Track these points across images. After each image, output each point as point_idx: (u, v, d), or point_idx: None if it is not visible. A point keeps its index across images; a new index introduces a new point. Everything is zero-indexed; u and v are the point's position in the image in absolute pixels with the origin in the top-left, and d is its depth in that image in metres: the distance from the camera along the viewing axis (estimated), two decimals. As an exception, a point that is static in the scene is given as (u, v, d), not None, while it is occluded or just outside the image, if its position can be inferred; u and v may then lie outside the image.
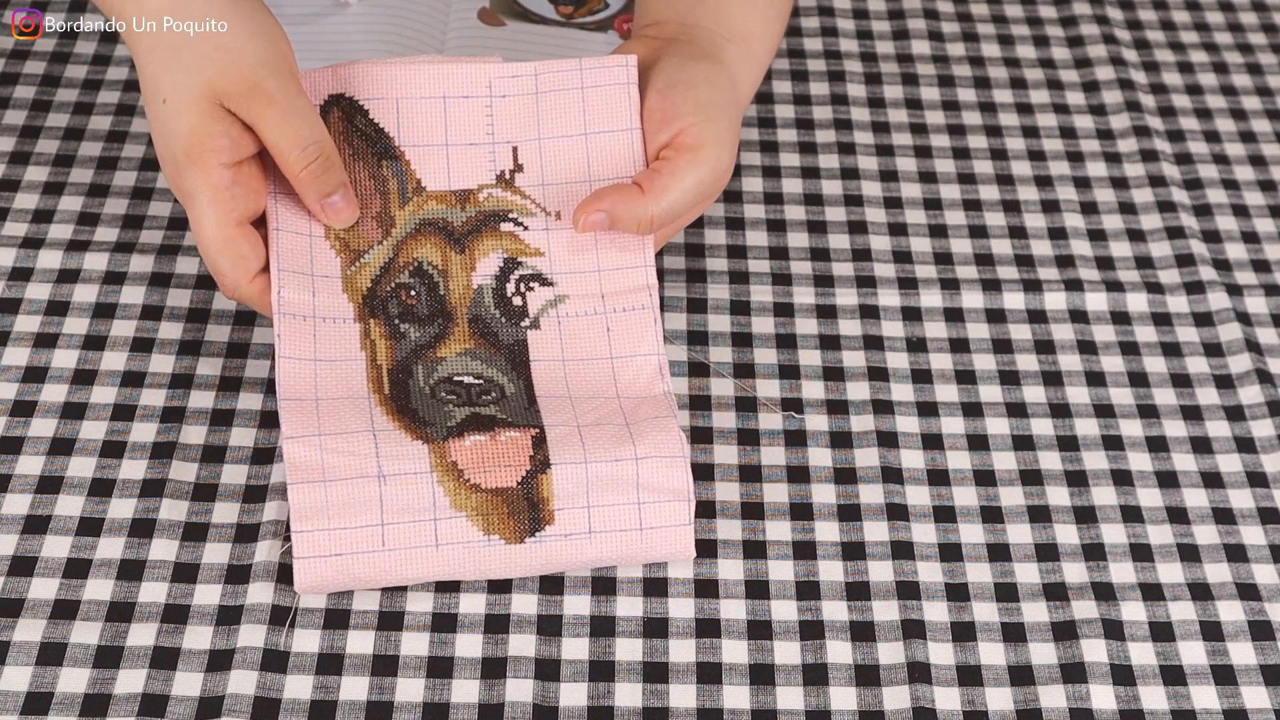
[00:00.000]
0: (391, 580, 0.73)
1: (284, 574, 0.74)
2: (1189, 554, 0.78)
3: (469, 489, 0.73)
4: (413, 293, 0.78)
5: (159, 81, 0.75)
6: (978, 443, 0.82)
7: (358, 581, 0.73)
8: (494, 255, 0.80)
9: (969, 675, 0.73)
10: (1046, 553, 0.78)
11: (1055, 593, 0.76)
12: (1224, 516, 0.80)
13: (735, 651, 0.73)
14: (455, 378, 0.77)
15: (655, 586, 0.75)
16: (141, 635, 0.72)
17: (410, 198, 0.80)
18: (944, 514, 0.79)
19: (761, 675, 0.72)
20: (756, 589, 0.75)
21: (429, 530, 0.73)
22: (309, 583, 0.72)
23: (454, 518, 0.73)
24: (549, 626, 0.73)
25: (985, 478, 0.81)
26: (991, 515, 0.79)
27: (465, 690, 0.71)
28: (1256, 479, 0.82)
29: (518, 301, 0.79)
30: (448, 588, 0.74)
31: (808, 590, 0.75)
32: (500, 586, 0.75)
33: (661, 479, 0.74)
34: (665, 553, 0.75)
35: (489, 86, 0.81)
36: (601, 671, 0.72)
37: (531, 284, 0.79)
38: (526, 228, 0.80)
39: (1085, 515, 0.79)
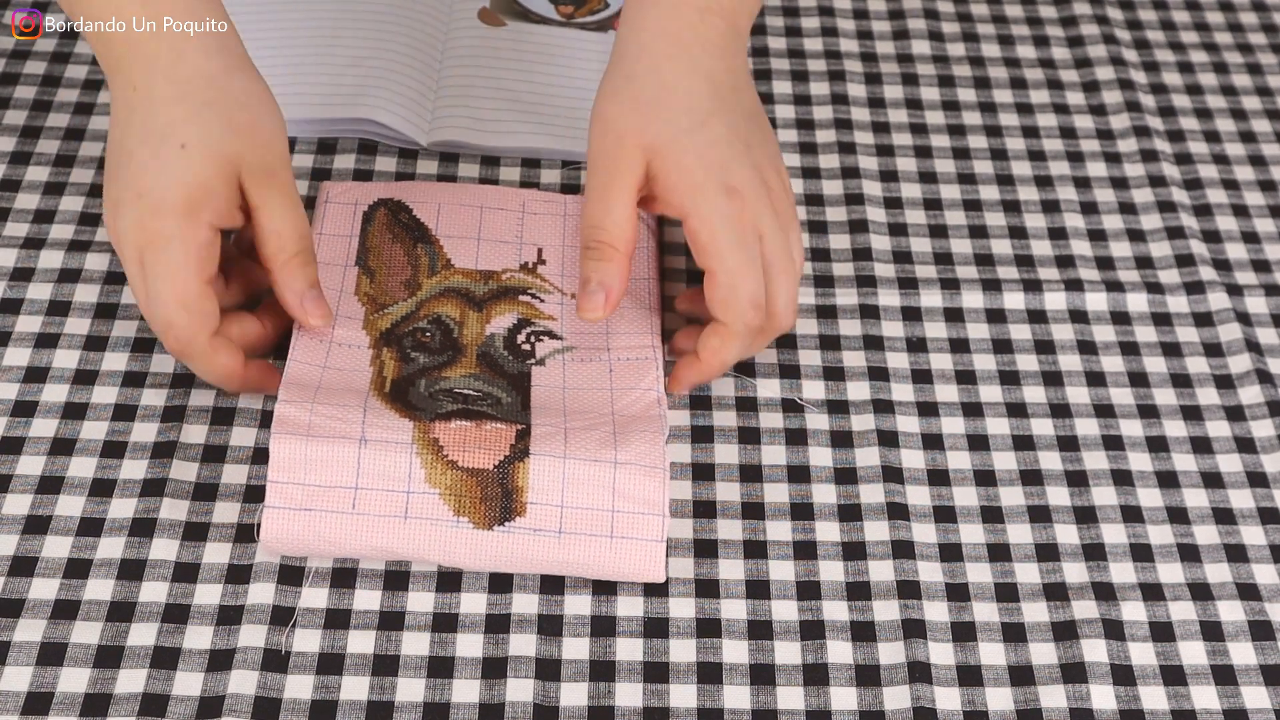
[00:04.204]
0: (356, 548, 0.73)
1: (285, 574, 0.74)
2: (1189, 554, 0.78)
3: (445, 465, 0.74)
4: (427, 334, 0.82)
5: (179, 126, 0.77)
6: (978, 443, 0.82)
7: (323, 543, 0.73)
8: (509, 315, 0.83)
9: (969, 675, 0.73)
10: (1046, 553, 0.78)
11: (1055, 593, 0.76)
12: (1224, 516, 0.80)
13: (735, 651, 0.73)
14: (456, 390, 0.79)
15: (655, 586, 0.75)
16: (142, 635, 0.72)
17: (439, 270, 0.85)
18: (944, 514, 0.79)
19: (762, 675, 0.72)
20: (757, 589, 0.75)
21: (400, 501, 0.73)
22: (275, 534, 0.73)
23: (427, 493, 0.74)
24: (549, 626, 0.73)
25: (985, 478, 0.81)
26: (992, 515, 0.79)
27: (466, 690, 0.71)
28: (1256, 479, 0.82)
29: (526, 347, 0.82)
30: (448, 587, 0.74)
31: (808, 590, 0.75)
32: (501, 586, 0.75)
33: (638, 488, 0.74)
34: (633, 569, 0.74)
35: (523, 205, 0.88)
36: (602, 671, 0.72)
37: (541, 336, 0.83)
38: (543, 301, 0.84)
39: (1085, 515, 0.79)
